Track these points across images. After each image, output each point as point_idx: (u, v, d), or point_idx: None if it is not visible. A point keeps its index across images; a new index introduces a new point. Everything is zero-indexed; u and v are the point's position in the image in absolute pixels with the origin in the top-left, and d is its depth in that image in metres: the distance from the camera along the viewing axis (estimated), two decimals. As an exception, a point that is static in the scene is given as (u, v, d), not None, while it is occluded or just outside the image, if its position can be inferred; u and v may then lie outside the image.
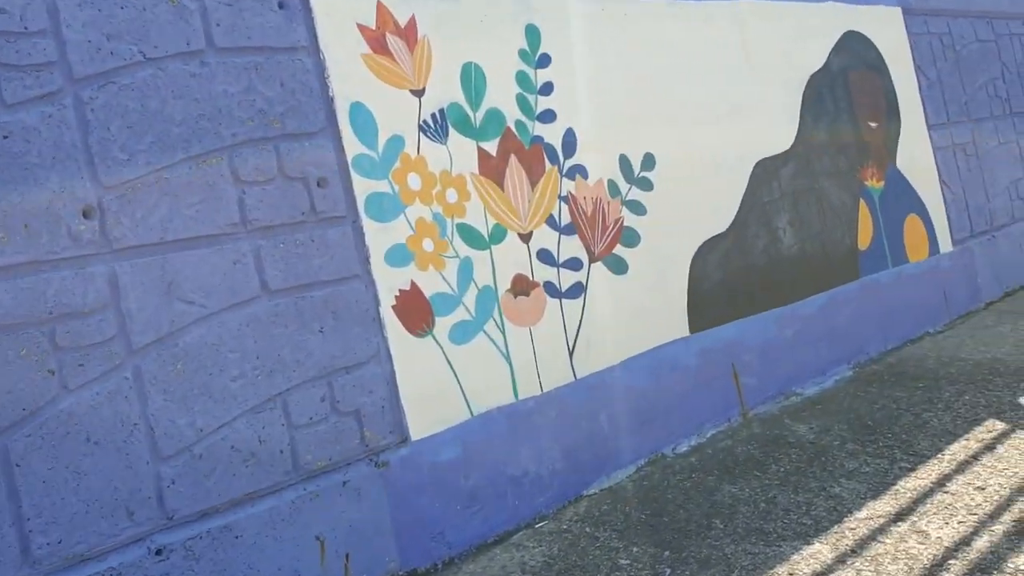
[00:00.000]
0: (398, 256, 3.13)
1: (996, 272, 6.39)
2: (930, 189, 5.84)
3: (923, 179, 5.79)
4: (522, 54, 3.63)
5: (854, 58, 5.44)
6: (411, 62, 3.26)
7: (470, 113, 3.41)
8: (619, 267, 3.85)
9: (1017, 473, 3.41)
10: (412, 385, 3.11)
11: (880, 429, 4.02)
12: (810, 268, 4.83)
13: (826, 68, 5.21)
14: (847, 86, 5.32)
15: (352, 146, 3.06)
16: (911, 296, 5.48)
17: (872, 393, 4.56)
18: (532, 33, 3.68)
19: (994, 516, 3.09)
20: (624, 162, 3.94)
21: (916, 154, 5.76)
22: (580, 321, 3.67)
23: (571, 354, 3.62)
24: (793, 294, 4.69)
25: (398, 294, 3.10)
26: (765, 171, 4.66)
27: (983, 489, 3.33)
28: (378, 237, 3.08)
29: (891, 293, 5.35)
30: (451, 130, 3.35)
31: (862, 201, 5.26)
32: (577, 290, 3.69)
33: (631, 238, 3.92)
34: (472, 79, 3.43)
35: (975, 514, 3.13)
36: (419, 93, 3.27)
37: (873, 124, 5.45)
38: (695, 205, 4.25)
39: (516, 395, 3.41)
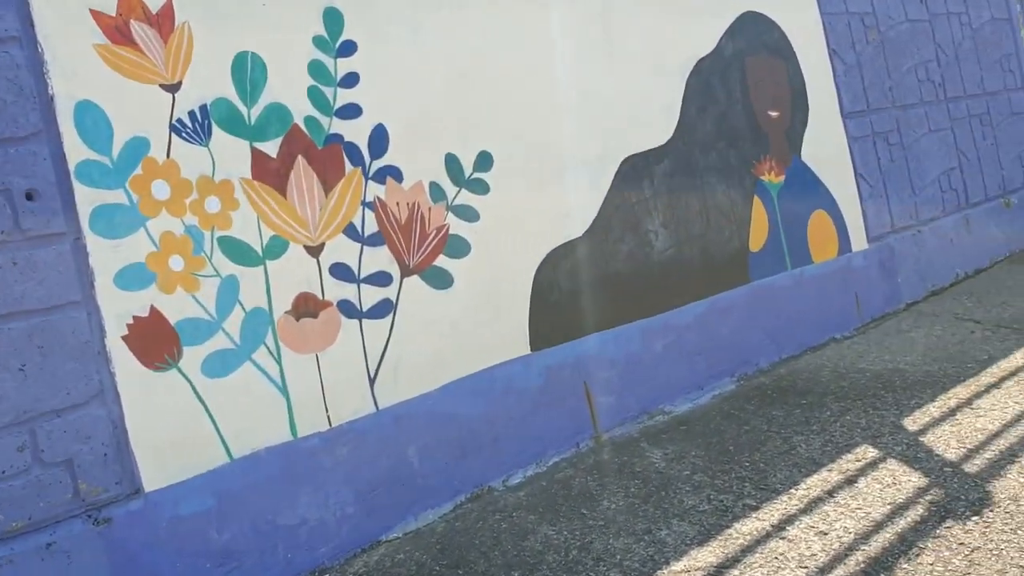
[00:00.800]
0: (134, 277, 2.68)
1: (921, 270, 5.93)
2: (843, 183, 5.37)
3: (834, 172, 5.32)
4: (319, 41, 3.16)
5: (752, 42, 4.95)
6: (163, 53, 2.80)
7: (243, 109, 2.94)
8: (441, 281, 3.40)
9: (869, 514, 3.00)
10: (147, 428, 2.68)
11: (739, 456, 3.60)
12: (688, 274, 4.37)
13: (717, 53, 4.72)
14: (743, 73, 4.83)
15: (76, 151, 2.62)
16: (814, 300, 5.02)
17: (748, 411, 4.13)
18: (332, 17, 3.20)
19: (826, 570, 2.67)
20: (452, 162, 3.48)
21: (827, 145, 5.29)
22: (387, 343, 3.23)
23: (372, 381, 3.17)
24: (666, 303, 4.24)
25: (131, 322, 2.66)
26: (634, 168, 4.19)
27: (825, 534, 2.93)
28: (107, 256, 2.64)
29: (789, 297, 4.90)
30: (215, 129, 2.89)
31: (756, 198, 4.80)
32: (384, 308, 3.24)
33: (458, 248, 3.47)
34: (247, 71, 2.97)
35: (805, 567, 2.71)
36: (173, 88, 2.81)
37: (773, 114, 4.97)
38: (543, 209, 3.79)
39: (294, 432, 2.97)
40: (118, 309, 2.66)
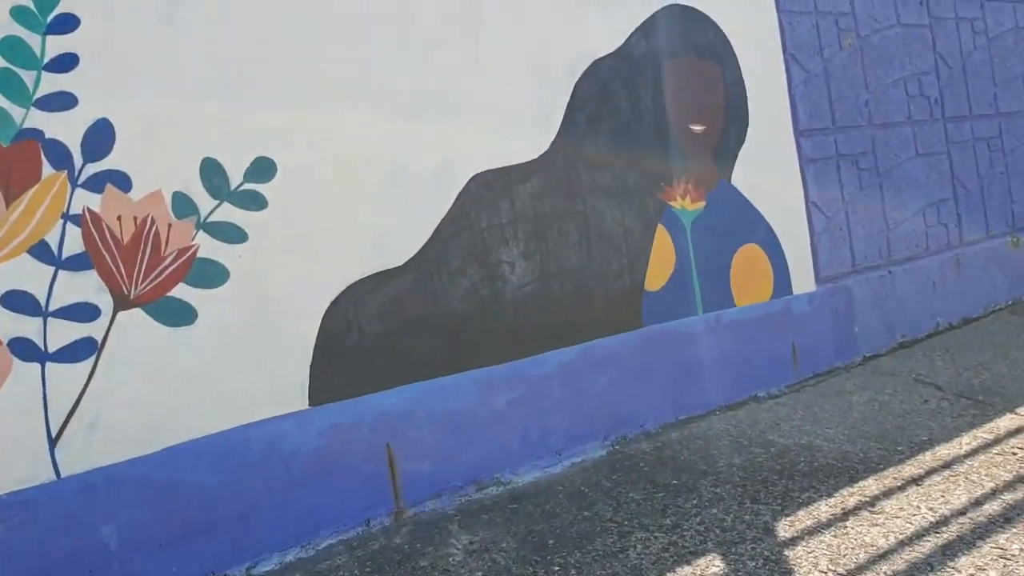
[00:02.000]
0: None
1: (888, 318, 5.05)
2: (788, 212, 4.53)
3: (777, 199, 4.48)
4: (20, 13, 2.51)
5: (676, 41, 4.14)
6: None
7: None
8: (178, 316, 2.72)
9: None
10: None
11: (555, 555, 2.87)
12: (554, 315, 3.61)
13: (623, 53, 3.93)
14: (658, 78, 4.02)
15: None
16: (733, 350, 4.21)
17: (601, 489, 3.37)
18: (42, -18, 2.52)
19: None
20: (211, 168, 2.79)
21: (769, 168, 4.45)
22: (81, 394, 2.56)
23: (54, 441, 2.51)
24: (518, 349, 3.48)
25: None
26: (487, 187, 3.44)
27: None
28: None
29: (698, 346, 4.09)
30: None
31: (662, 228, 4.00)
32: (82, 350, 2.57)
33: (210, 275, 2.78)
34: None
35: None
36: None
37: (696, 128, 4.16)
38: (347, 231, 3.07)
39: (-79, 505, 2.31)
40: None
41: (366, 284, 3.15)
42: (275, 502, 2.90)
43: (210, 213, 2.82)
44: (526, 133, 3.59)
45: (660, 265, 4.00)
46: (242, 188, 2.88)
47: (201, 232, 2.80)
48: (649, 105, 4.01)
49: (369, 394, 3.14)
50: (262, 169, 2.92)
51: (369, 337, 3.14)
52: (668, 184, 4.04)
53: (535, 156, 3.62)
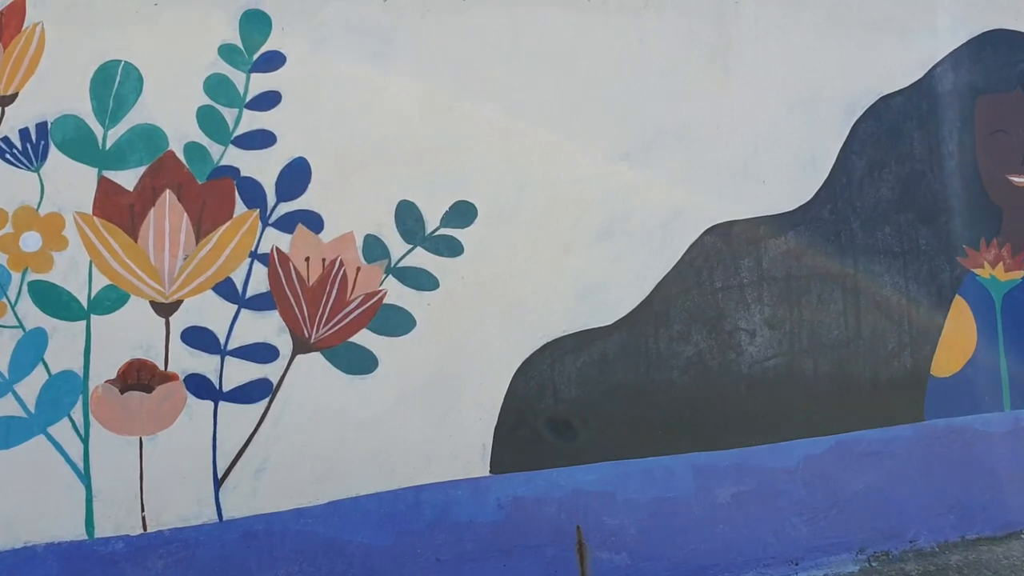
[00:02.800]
0: (-91, 318, 2.26)
1: None
2: None
3: None
4: (227, 51, 2.54)
5: (996, 73, 3.41)
6: (-1, 58, 2.35)
7: (96, 130, 2.42)
8: (358, 363, 2.61)
9: None
10: None
11: None
12: (803, 397, 3.05)
13: (920, 88, 3.28)
14: (968, 118, 3.30)
15: None
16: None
17: (833, 622, 2.76)
18: (254, 21, 2.56)
19: None
20: (407, 211, 2.66)
21: None
22: (251, 436, 2.51)
23: (219, 482, 2.48)
24: (752, 434, 2.98)
25: None
26: (727, 241, 2.99)
27: None
28: None
29: (998, 450, 3.29)
30: (53, 151, 2.40)
31: (960, 300, 3.27)
32: (257, 390, 2.53)
33: (395, 323, 2.64)
34: (114, 83, 2.44)
35: None
36: (5, 100, 2.35)
37: (1020, 180, 3.36)
38: (550, 283, 2.79)
39: (91, 531, 2.39)
40: None
41: (567, 343, 2.81)
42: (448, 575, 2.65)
43: (402, 258, 2.65)
44: (783, 179, 3.06)
45: (954, 346, 3.23)
46: (438, 233, 2.69)
47: (390, 277, 2.64)
48: (953, 151, 3.27)
49: (561, 467, 2.79)
50: (461, 213, 2.71)
51: (566, 403, 2.80)
52: (973, 247, 3.26)
53: (793, 207, 3.07)
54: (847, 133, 3.16)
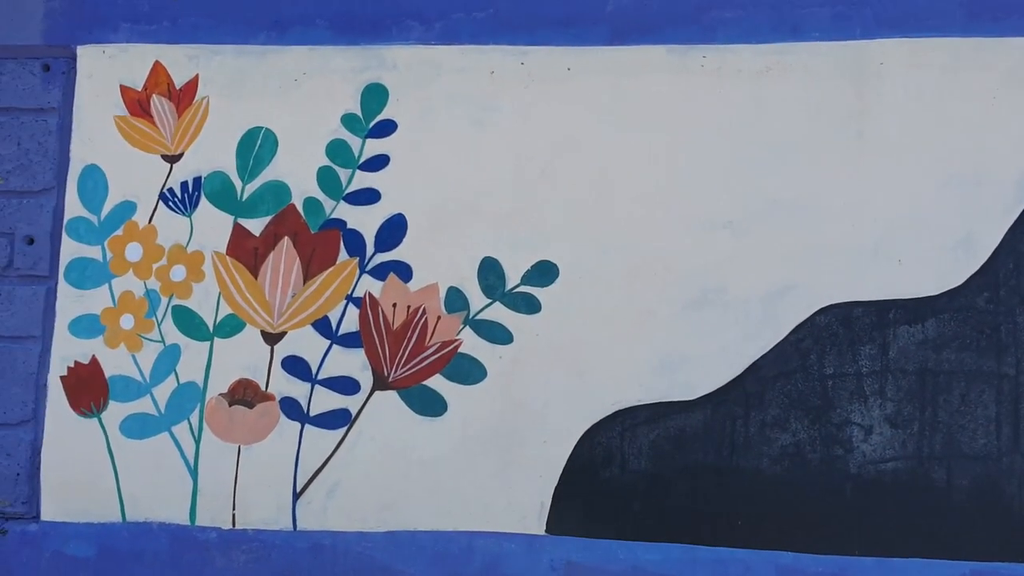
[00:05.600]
0: (86, 327, 2.94)
1: None
2: None
3: None
4: (348, 120, 2.94)
5: None
6: (173, 125, 2.98)
7: (237, 184, 2.94)
8: (429, 405, 2.83)
9: None
10: (58, 464, 2.90)
11: None
12: (927, 510, 2.68)
13: None
14: None
15: (73, 208, 2.99)
16: None
17: None
18: (374, 94, 2.93)
19: None
20: (490, 267, 2.84)
21: None
22: (328, 459, 2.84)
23: (297, 496, 2.84)
24: (854, 542, 2.69)
25: (72, 365, 2.93)
26: (846, 323, 2.74)
27: None
28: (70, 303, 2.95)
29: None
30: (203, 201, 2.95)
31: None
32: (339, 419, 2.86)
33: (466, 372, 2.82)
34: (255, 146, 2.95)
35: None
36: (173, 159, 2.98)
37: None
38: (629, 349, 2.79)
39: (193, 518, 2.86)
40: (65, 352, 2.92)
41: (641, 413, 2.74)
42: (489, 628, 2.71)
43: (480, 311, 2.80)
44: (925, 260, 2.70)
45: None
46: (517, 290, 2.79)
47: (467, 328, 2.80)
48: None
49: (622, 540, 2.71)
50: (543, 272, 2.79)
51: (633, 475, 2.73)
52: None
53: (936, 291, 2.69)
54: (1021, 211, 2.69)
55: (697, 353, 2.71)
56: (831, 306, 2.68)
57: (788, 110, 2.77)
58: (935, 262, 2.65)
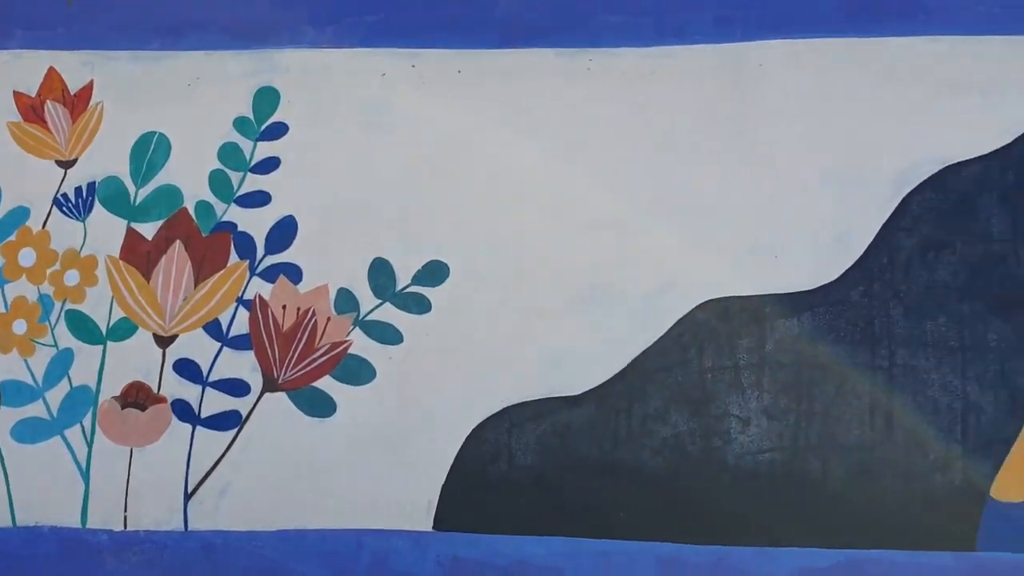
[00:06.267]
0: (-23, 331, 2.94)
1: None
2: None
3: None
4: (240, 123, 2.96)
5: None
6: (68, 131, 3.00)
7: (131, 189, 2.96)
8: (318, 406, 2.85)
9: None
10: (-52, 468, 2.90)
11: None
12: (805, 499, 2.73)
13: (1007, 155, 2.81)
14: None
15: (-35, 215, 2.98)
16: None
17: None
18: (265, 97, 2.96)
19: None
20: (380, 268, 2.87)
21: None
22: (220, 460, 2.86)
23: (188, 497, 2.85)
24: (732, 532, 2.74)
25: (-37, 370, 2.92)
26: (724, 318, 2.80)
27: None
28: (-38, 308, 2.95)
29: (1091, 607, 2.65)
30: (97, 206, 2.96)
31: (1047, 411, 2.71)
32: (230, 421, 2.87)
33: (355, 372, 2.85)
34: (148, 151, 2.97)
35: None
36: (67, 164, 2.99)
37: None
38: (516, 347, 2.83)
39: (84, 521, 2.86)
40: (-44, 356, 2.92)
41: (528, 409, 2.78)
42: (380, 622, 2.74)
43: (370, 312, 2.83)
44: (801, 255, 2.76)
45: (1029, 467, 2.66)
46: (407, 290, 2.83)
47: (357, 329, 2.83)
48: (1047, 229, 2.72)
49: (508, 535, 2.75)
50: (433, 272, 2.83)
51: (520, 471, 2.77)
52: (1071, 347, 2.67)
53: (812, 286, 2.76)
54: (894, 207, 2.76)
55: (583, 350, 2.75)
56: (710, 301, 2.72)
57: (672, 112, 2.82)
58: (810, 257, 2.71)
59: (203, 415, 2.80)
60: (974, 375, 2.64)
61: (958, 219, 2.70)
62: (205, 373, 2.81)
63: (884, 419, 2.67)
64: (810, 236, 2.74)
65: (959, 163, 2.73)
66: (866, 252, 2.72)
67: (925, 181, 2.73)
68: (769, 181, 2.77)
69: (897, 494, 2.64)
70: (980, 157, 2.73)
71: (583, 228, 2.79)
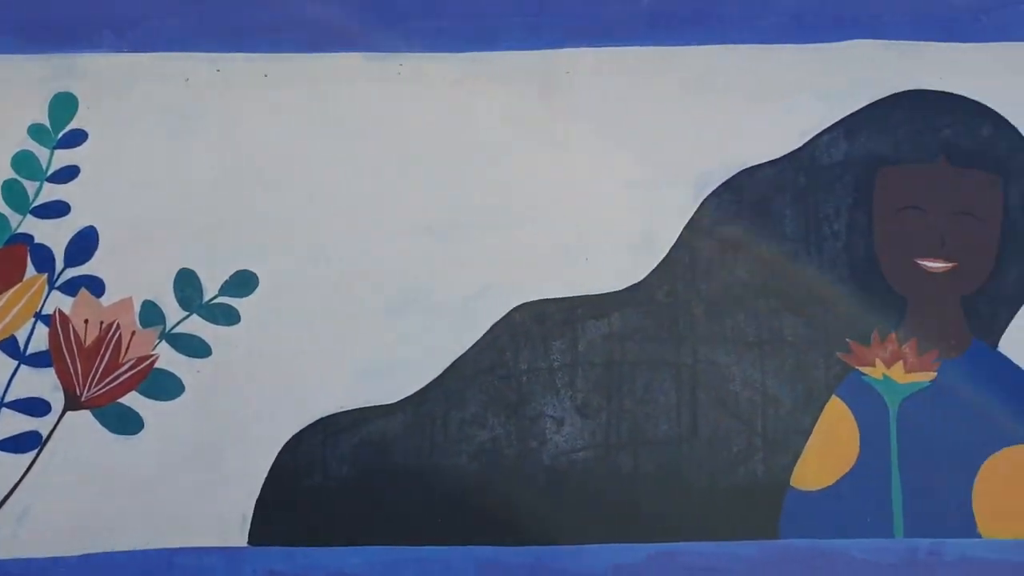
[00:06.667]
0: None
1: None
2: None
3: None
4: (35, 130, 2.81)
5: (910, 142, 2.95)
6: None
7: (-84, 201, 2.75)
8: (125, 423, 2.73)
9: None
10: None
11: None
12: (618, 497, 2.78)
13: (800, 158, 2.92)
14: (863, 192, 2.91)
15: None
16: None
17: None
18: (63, 104, 2.82)
19: None
20: (186, 279, 2.77)
21: None
22: (16, 484, 2.71)
23: (-20, 524, 2.68)
24: (551, 531, 2.76)
25: None
26: (539, 320, 2.82)
27: None
28: None
29: (881, 585, 2.78)
30: None
31: (838, 402, 2.83)
32: (27, 442, 2.72)
33: (163, 387, 2.74)
34: (-67, 162, 2.77)
35: None
36: None
37: (933, 266, 2.89)
38: (329, 357, 2.78)
39: None
40: None
41: (343, 419, 2.74)
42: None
43: (176, 324, 2.74)
44: (610, 258, 2.82)
45: (827, 455, 2.79)
46: (215, 301, 2.75)
47: (163, 343, 2.73)
48: (839, 230, 2.86)
49: (325, 547, 2.70)
50: (242, 282, 2.76)
51: (336, 481, 2.73)
52: (863, 342, 2.81)
53: (620, 287, 2.81)
54: (695, 209, 2.85)
55: (400, 358, 2.74)
56: (525, 304, 2.76)
57: (484, 117, 2.84)
58: (618, 259, 2.78)
59: (-1, 437, 2.66)
60: (772, 369, 2.76)
61: (754, 220, 2.81)
62: (1, 393, 2.67)
63: (690, 414, 2.75)
64: (617, 238, 2.80)
65: (754, 167, 2.83)
66: (669, 253, 2.80)
67: (723, 184, 2.83)
68: (578, 185, 2.82)
69: (703, 487, 2.73)
70: (773, 160, 2.84)
71: (396, 234, 2.78)
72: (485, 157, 2.83)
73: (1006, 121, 2.87)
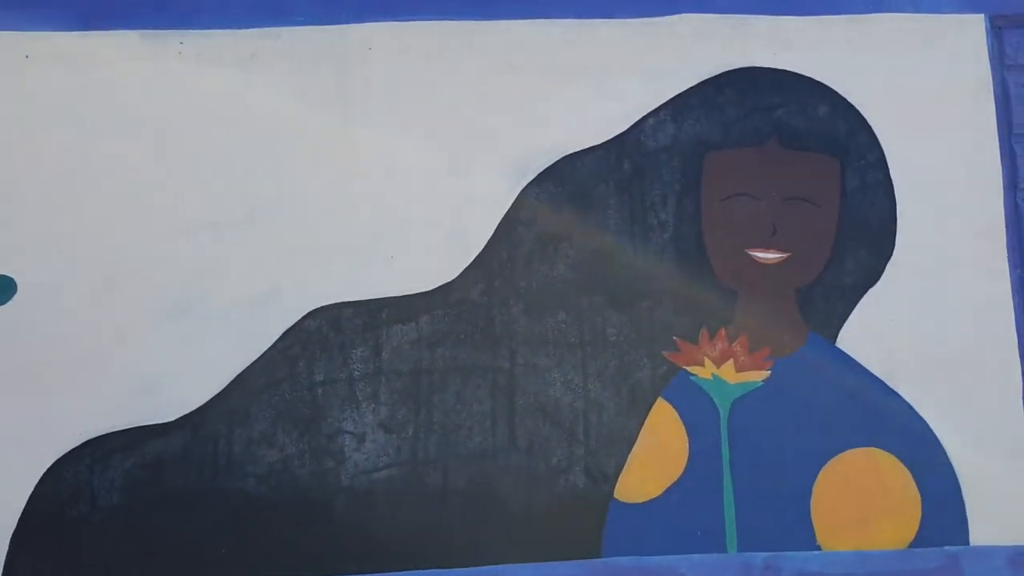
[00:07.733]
0: None
1: None
2: (975, 396, 2.69)
3: (945, 372, 2.69)
4: None
5: (741, 123, 2.73)
6: None
7: None
8: None
9: None
10: None
11: None
12: (428, 518, 2.51)
13: (625, 143, 2.68)
14: (690, 178, 2.68)
15: None
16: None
17: None
18: None
19: None
20: None
21: (935, 317, 2.69)
22: None
23: None
24: (353, 560, 2.48)
25: None
26: (336, 327, 2.53)
27: None
28: None
29: (713, 604, 2.56)
30: None
31: (664, 405, 2.60)
32: None
33: None
34: None
35: None
36: None
37: (766, 256, 2.67)
38: (97, 371, 2.46)
39: None
40: None
41: (114, 441, 2.43)
42: None
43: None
44: (417, 256, 2.55)
45: (652, 464, 2.56)
46: (-41, 311, 2.40)
47: (-98, 359, 2.38)
48: (666, 220, 2.62)
49: (90, 585, 2.39)
50: (-2, 289, 2.41)
51: (106, 512, 2.41)
52: (690, 340, 2.58)
53: (429, 287, 2.54)
54: (512, 201, 2.60)
55: (177, 370, 2.44)
56: (320, 309, 2.48)
57: (275, 100, 2.56)
58: (427, 257, 2.52)
59: None
60: (595, 371, 2.53)
61: (576, 211, 2.58)
62: None
63: (506, 423, 2.51)
64: (425, 233, 2.54)
65: (576, 153, 2.60)
66: (485, 248, 2.56)
67: (542, 172, 2.60)
68: (380, 175, 2.55)
69: (520, 503, 2.49)
70: (597, 146, 2.61)
71: (174, 232, 2.49)
72: (277, 145, 2.54)
73: (844, 100, 2.67)
